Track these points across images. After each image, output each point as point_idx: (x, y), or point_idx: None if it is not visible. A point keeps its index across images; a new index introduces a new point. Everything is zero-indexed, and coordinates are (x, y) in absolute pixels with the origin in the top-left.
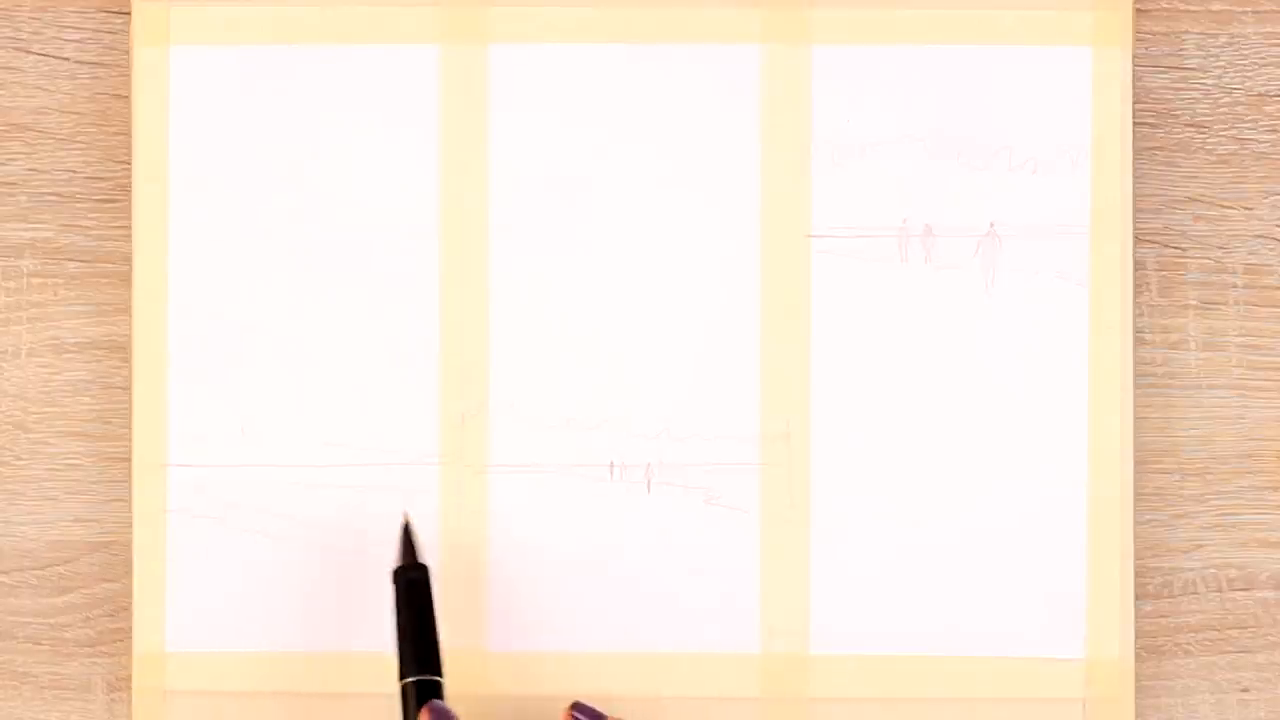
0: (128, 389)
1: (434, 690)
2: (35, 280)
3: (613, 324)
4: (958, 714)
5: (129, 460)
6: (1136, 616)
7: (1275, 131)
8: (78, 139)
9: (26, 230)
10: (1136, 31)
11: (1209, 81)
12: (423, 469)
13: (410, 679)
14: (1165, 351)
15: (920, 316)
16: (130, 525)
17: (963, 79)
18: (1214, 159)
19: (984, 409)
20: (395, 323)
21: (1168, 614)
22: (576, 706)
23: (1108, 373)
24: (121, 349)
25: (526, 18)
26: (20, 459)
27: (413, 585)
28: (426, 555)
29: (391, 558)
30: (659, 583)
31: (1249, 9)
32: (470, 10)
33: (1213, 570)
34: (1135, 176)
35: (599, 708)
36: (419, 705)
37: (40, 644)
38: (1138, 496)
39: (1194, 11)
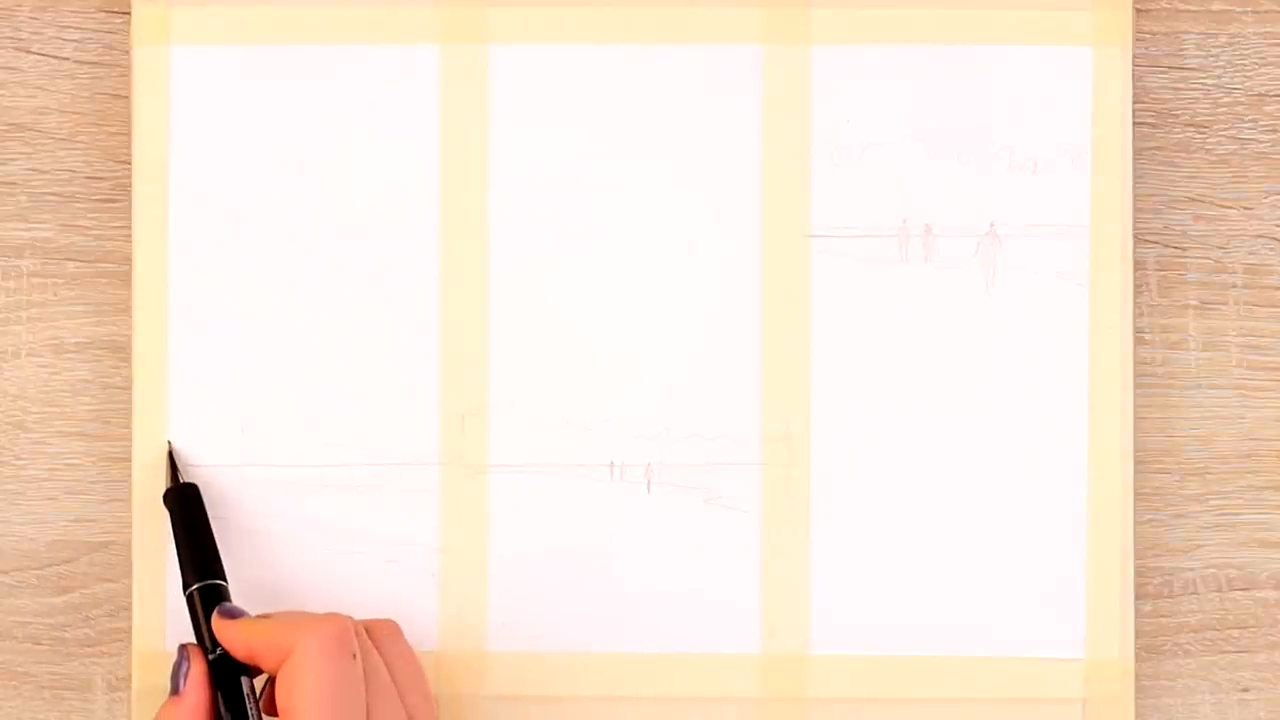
0: (128, 389)
1: (217, 593)
2: (35, 280)
3: (613, 324)
4: (958, 714)
5: (129, 460)
6: (1136, 616)
7: (1275, 131)
8: (78, 139)
9: (26, 230)
10: (1136, 31)
11: (1209, 81)
12: (423, 469)
13: (194, 586)
14: (1165, 351)
15: (920, 316)
16: (130, 525)
17: (963, 79)
18: (1214, 159)
19: (984, 409)
20: (395, 323)
21: (1168, 614)
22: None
23: (1108, 373)
24: (121, 349)
25: (526, 18)
26: (20, 459)
27: (183, 498)
28: (190, 476)
29: (164, 484)
30: (659, 583)
31: (1249, 9)
32: (470, 10)
33: (1213, 570)
34: (1135, 176)
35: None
36: (206, 611)
37: (40, 644)
38: (1138, 496)
39: (1194, 11)
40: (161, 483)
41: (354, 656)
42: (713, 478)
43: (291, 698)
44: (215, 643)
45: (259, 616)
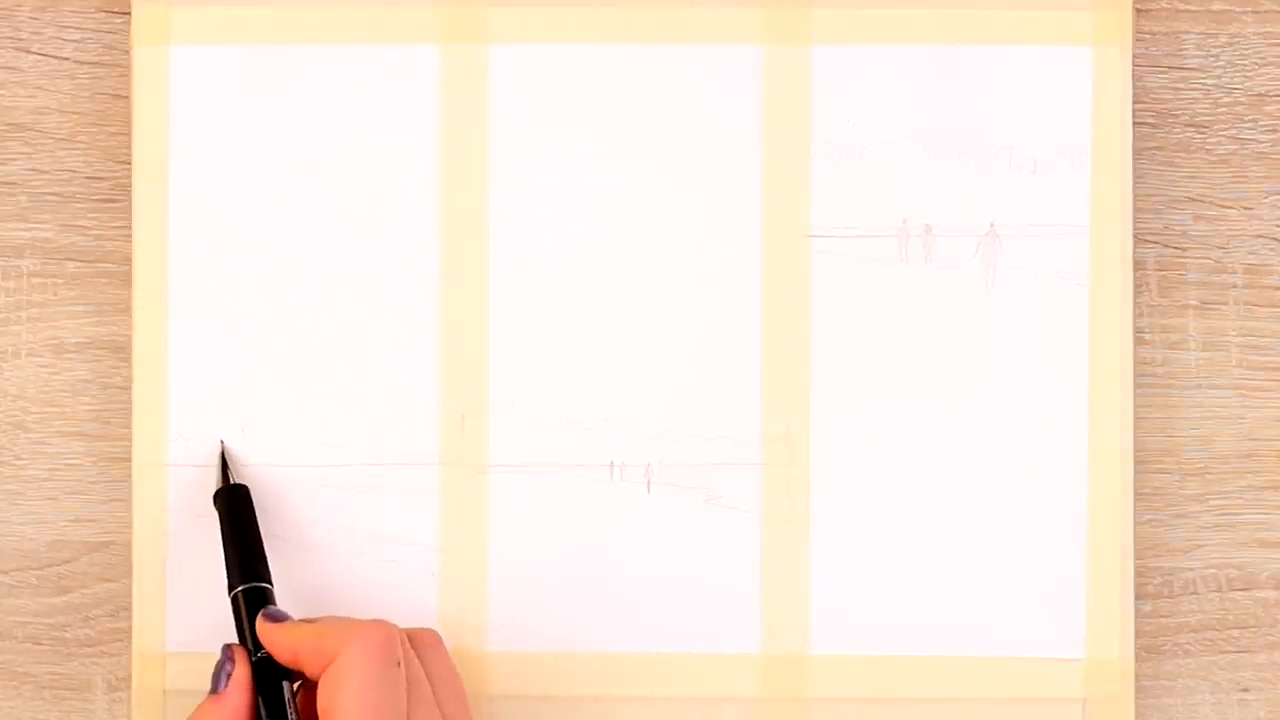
0: (128, 389)
1: (262, 596)
2: (35, 280)
3: (612, 324)
4: (958, 714)
5: (129, 460)
6: (1136, 616)
7: (1275, 131)
8: (78, 139)
9: (26, 230)
10: (1136, 31)
11: (1209, 81)
12: (423, 469)
13: (239, 588)
14: (1165, 351)
15: (920, 316)
16: (130, 525)
17: (963, 79)
18: (1214, 159)
19: (984, 409)
20: (395, 323)
21: (1168, 614)
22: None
23: (1108, 373)
24: (121, 349)
25: (526, 18)
26: (20, 459)
27: (233, 499)
28: (242, 478)
29: (214, 485)
30: (659, 583)
31: (1249, 9)
32: (470, 10)
33: (1213, 570)
34: (1135, 176)
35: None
36: (250, 613)
37: (40, 644)
38: (1138, 496)
39: (1194, 11)
40: (161, 480)
41: (398, 665)
42: (713, 478)
43: (334, 703)
44: (258, 645)
45: (302, 621)
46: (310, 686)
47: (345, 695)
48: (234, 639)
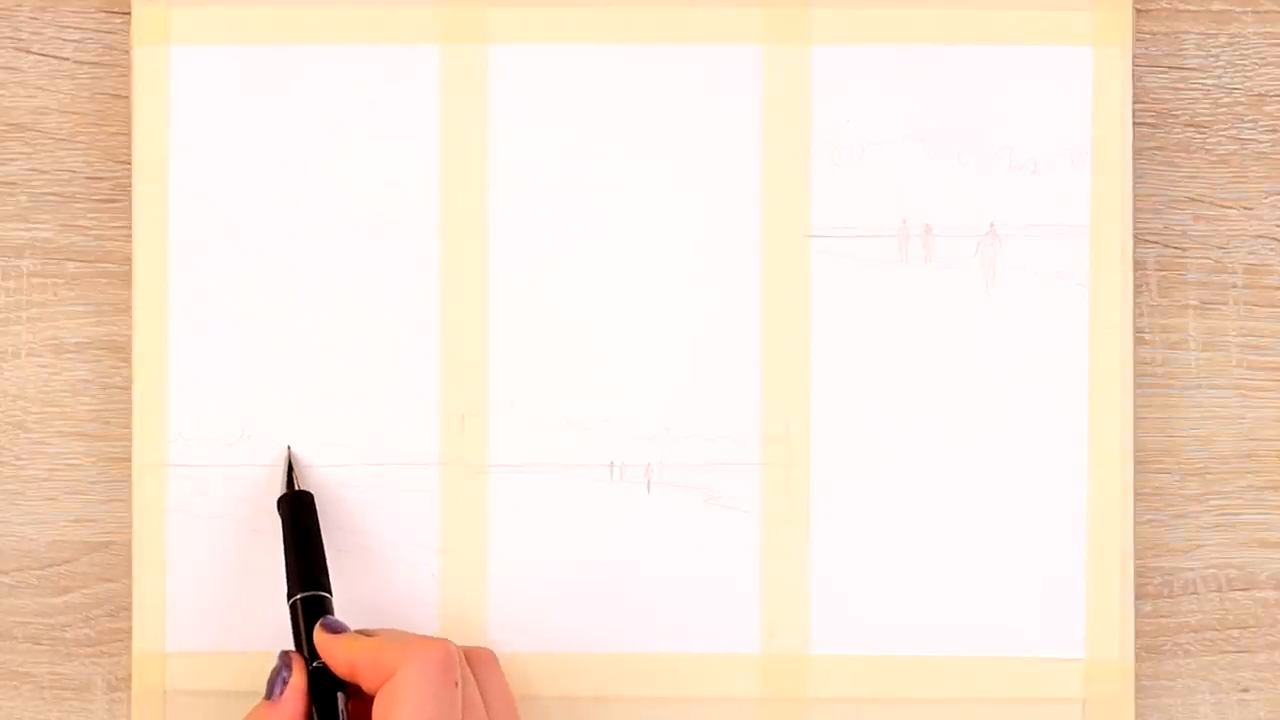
0: (128, 389)
1: (321, 605)
2: (35, 280)
3: (613, 324)
4: (958, 714)
5: (129, 460)
6: (1136, 616)
7: (1275, 131)
8: (78, 139)
9: (26, 230)
10: (1136, 31)
11: (1209, 81)
12: (423, 469)
13: (298, 596)
14: (1165, 351)
15: (920, 316)
16: (130, 525)
17: (963, 79)
18: (1214, 159)
19: (984, 409)
20: (395, 323)
21: (1168, 614)
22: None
23: (1108, 373)
24: (121, 349)
25: (526, 18)
26: (20, 459)
27: (297, 506)
28: (307, 485)
29: (280, 490)
30: (659, 583)
31: (1249, 9)
32: (470, 10)
33: (1213, 570)
34: (1135, 176)
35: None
36: (308, 621)
37: (40, 644)
38: (1138, 496)
39: (1194, 11)
40: (161, 480)
41: (456, 685)
42: (713, 478)
43: (389, 718)
44: (314, 654)
45: (360, 632)
46: (363, 698)
47: (402, 713)
48: (229, 639)
